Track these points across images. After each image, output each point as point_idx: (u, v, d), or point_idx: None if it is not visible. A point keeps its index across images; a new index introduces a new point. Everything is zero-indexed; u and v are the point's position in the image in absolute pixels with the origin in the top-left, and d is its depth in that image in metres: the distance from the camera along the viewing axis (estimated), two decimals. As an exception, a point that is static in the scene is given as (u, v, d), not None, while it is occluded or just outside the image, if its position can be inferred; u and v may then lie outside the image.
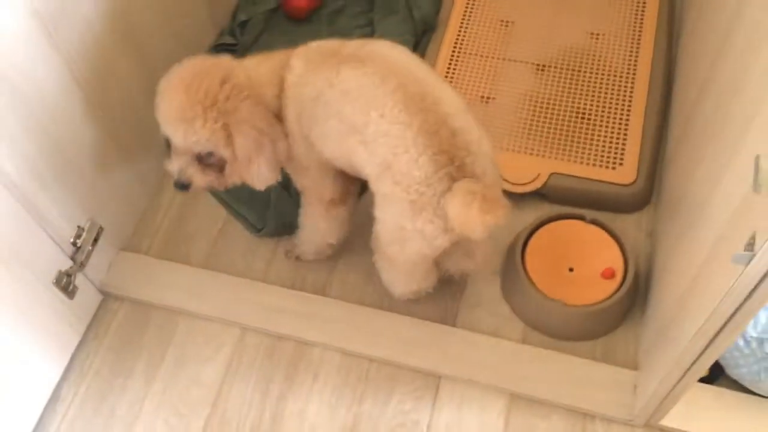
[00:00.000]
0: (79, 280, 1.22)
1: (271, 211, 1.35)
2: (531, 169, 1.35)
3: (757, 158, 0.66)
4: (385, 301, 1.26)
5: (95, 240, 1.23)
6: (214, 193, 1.41)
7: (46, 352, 1.17)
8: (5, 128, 1.00)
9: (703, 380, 1.15)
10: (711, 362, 0.93)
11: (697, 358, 0.93)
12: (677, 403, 1.11)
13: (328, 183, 1.13)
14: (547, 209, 1.32)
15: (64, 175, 1.14)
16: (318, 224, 1.22)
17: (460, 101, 1.01)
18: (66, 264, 1.18)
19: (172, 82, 1.01)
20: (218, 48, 1.54)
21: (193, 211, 1.40)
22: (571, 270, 1.24)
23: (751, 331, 1.07)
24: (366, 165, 1.00)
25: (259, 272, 1.32)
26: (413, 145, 0.95)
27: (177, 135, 1.01)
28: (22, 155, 1.04)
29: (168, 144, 1.06)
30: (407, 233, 1.01)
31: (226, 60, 1.05)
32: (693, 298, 0.92)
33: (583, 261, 1.24)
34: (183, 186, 1.06)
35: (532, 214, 1.30)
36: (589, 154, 1.36)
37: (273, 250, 1.35)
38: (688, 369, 0.96)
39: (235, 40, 1.57)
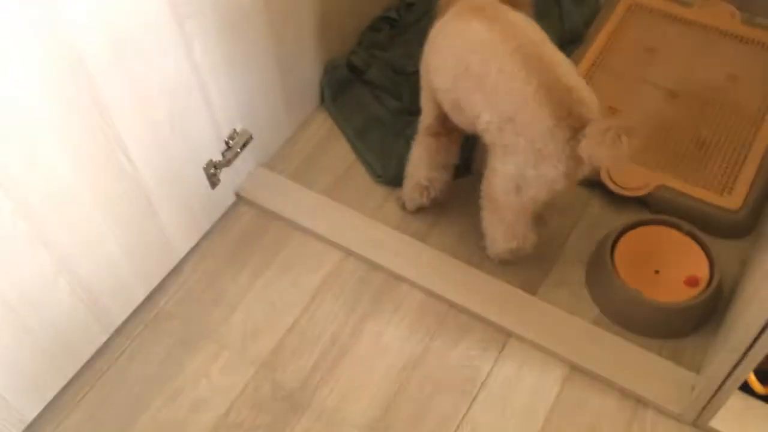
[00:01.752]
0: (223, 176, 1.42)
1: (393, 162, 1.51)
2: (640, 178, 1.43)
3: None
4: (474, 259, 1.37)
5: (244, 145, 1.42)
6: (347, 134, 1.58)
7: (180, 226, 1.37)
8: (202, 25, 1.21)
9: (763, 398, 1.18)
10: (750, 368, 0.99)
11: (739, 362, 0.99)
12: (730, 412, 1.15)
13: (428, 108, 1.30)
14: (647, 215, 1.39)
15: (235, 78, 1.34)
16: (414, 151, 1.38)
17: (572, 65, 1.14)
18: (217, 156, 1.38)
19: None
20: (382, 19, 1.73)
21: (329, 148, 1.58)
22: (656, 272, 1.30)
23: (820, 357, 1.10)
24: (483, 112, 1.14)
25: (370, 211, 1.47)
26: (534, 99, 1.07)
27: None
28: (211, 50, 1.25)
29: None
30: (529, 179, 1.13)
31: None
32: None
33: (670, 266, 1.30)
34: None
35: (631, 216, 1.38)
36: (700, 176, 1.42)
37: (386, 196, 1.49)
38: (731, 372, 1.01)
39: (398, 16, 1.75)
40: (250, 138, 1.44)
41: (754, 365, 0.99)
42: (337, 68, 1.63)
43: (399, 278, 1.37)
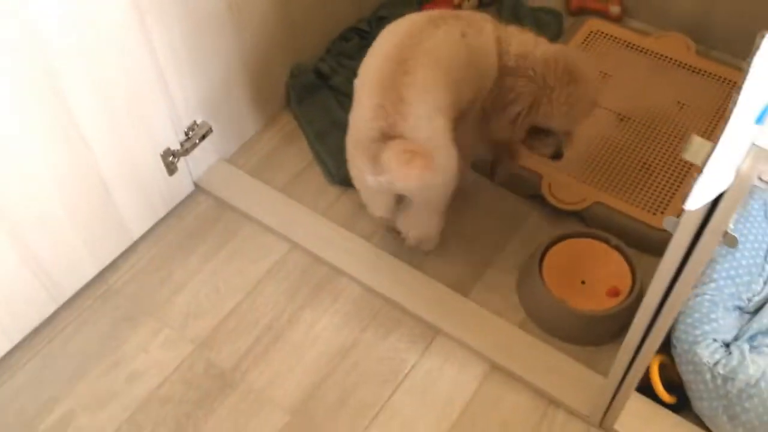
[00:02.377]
0: (181, 165, 1.49)
1: (348, 165, 1.57)
2: (579, 194, 1.49)
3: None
4: (414, 260, 1.43)
5: (203, 137, 1.50)
6: (308, 136, 1.65)
7: (136, 209, 1.44)
8: (164, 21, 1.29)
9: (669, 407, 1.23)
10: (641, 369, 1.04)
11: (631, 362, 1.05)
12: (636, 417, 1.20)
13: None
14: (579, 228, 1.45)
15: (197, 73, 1.42)
16: None
17: (432, 83, 1.20)
18: (175, 145, 1.45)
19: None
20: (352, 30, 1.81)
21: (289, 148, 1.65)
22: (582, 282, 1.36)
23: (720, 369, 1.15)
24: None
25: (321, 209, 1.53)
26: (369, 91, 1.19)
27: None
28: (172, 45, 1.33)
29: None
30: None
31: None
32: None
33: (596, 277, 1.36)
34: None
35: (565, 229, 1.44)
36: (637, 196, 1.48)
37: (338, 195, 1.56)
38: (626, 372, 1.07)
39: (369, 28, 1.84)
40: (210, 130, 1.51)
41: (645, 365, 1.05)
42: (304, 72, 1.71)
43: (340, 272, 1.44)
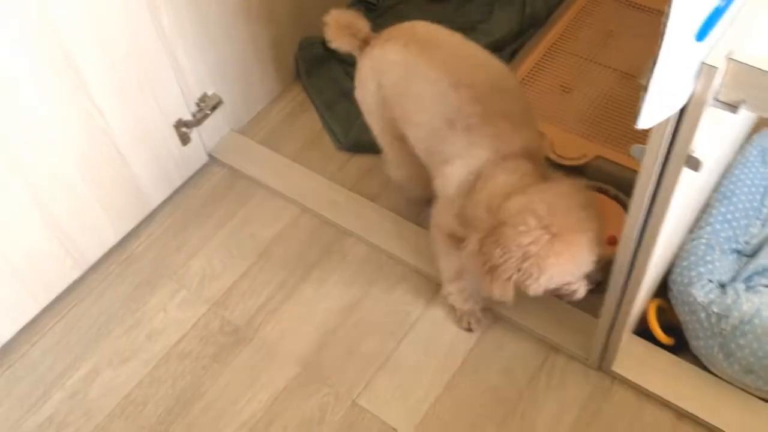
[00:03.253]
0: (194, 136, 1.56)
1: (354, 131, 1.63)
2: (580, 149, 1.51)
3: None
4: (419, 219, 1.47)
5: (214, 108, 1.56)
6: (317, 106, 1.71)
7: (153, 178, 1.51)
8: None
9: (668, 348, 1.25)
10: (629, 308, 1.08)
11: (620, 301, 1.08)
12: (633, 358, 1.23)
13: None
14: (581, 182, 1.48)
15: (205, 47, 1.48)
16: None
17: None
18: (186, 116, 1.52)
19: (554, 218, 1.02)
20: (360, 2, 1.85)
21: (299, 119, 1.71)
22: (583, 233, 1.38)
23: (714, 307, 1.17)
24: None
25: (329, 174, 1.59)
26: None
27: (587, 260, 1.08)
28: (179, 18, 1.39)
29: None
30: None
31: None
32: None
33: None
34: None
35: (567, 183, 1.46)
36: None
37: (345, 161, 1.61)
38: (617, 312, 1.10)
39: (375, 2, 1.88)
40: (220, 102, 1.58)
41: (633, 303, 1.07)
42: (312, 45, 1.76)
43: (347, 233, 1.49)
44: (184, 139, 1.53)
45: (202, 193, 1.59)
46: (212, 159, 1.63)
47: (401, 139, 1.26)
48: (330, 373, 1.31)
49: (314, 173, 1.58)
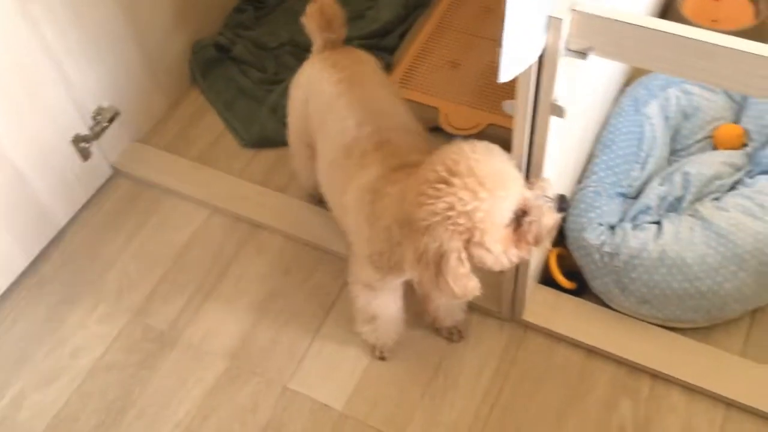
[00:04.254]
0: (94, 150, 1.55)
1: (257, 127, 1.65)
2: (473, 119, 1.59)
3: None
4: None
5: (111, 120, 1.56)
6: (217, 107, 1.72)
7: (56, 197, 1.49)
8: (49, 7, 1.34)
9: (572, 293, 1.34)
10: (532, 259, 1.13)
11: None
12: (540, 306, 1.31)
13: None
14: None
15: (93, 59, 1.47)
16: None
17: None
18: (84, 130, 1.51)
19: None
20: (246, 1, 1.88)
21: (200, 121, 1.72)
22: (484, 197, 1.46)
23: (606, 248, 1.26)
24: None
25: (236, 172, 1.61)
26: None
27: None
28: (62, 32, 1.38)
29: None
30: None
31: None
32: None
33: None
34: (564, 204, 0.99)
35: (464, 152, 1.54)
36: (527, 113, 1.59)
37: (251, 157, 1.64)
38: (518, 265, 1.17)
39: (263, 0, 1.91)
40: (117, 113, 1.57)
41: (528, 258, 1.14)
42: (204, 48, 1.77)
43: (260, 226, 1.52)
44: (85, 154, 1.53)
45: (110, 207, 1.58)
46: (116, 171, 1.63)
47: (310, 146, 1.30)
48: (258, 362, 1.34)
49: (221, 173, 1.60)
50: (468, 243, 0.92)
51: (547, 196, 0.94)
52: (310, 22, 1.28)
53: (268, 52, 1.80)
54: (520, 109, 0.89)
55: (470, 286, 0.97)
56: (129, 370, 1.35)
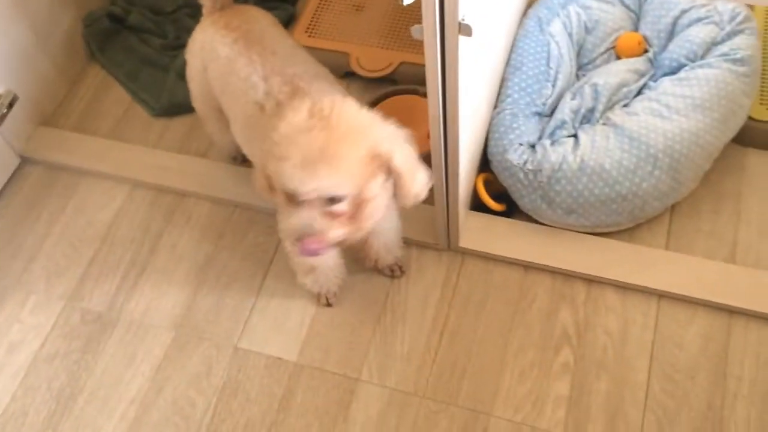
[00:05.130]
0: (-2, 140, 1.48)
1: (165, 95, 1.61)
2: (385, 60, 1.59)
3: None
4: (250, 164, 1.50)
5: (10, 105, 1.48)
6: (120, 79, 1.66)
7: (-35, 193, 1.43)
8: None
9: (503, 215, 1.38)
10: (455, 185, 1.18)
11: (446, 180, 1.18)
12: (474, 232, 1.35)
13: None
14: (390, 88, 1.56)
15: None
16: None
17: None
18: (-18, 120, 1.44)
19: (301, 124, 0.93)
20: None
21: (105, 97, 1.66)
22: (406, 135, 1.48)
23: (529, 165, 1.30)
24: None
25: (152, 142, 1.57)
26: None
27: (315, 180, 0.92)
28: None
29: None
30: None
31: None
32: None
33: (416, 126, 1.46)
34: (313, 247, 0.96)
35: (381, 93, 1.54)
36: (436, 47, 1.60)
37: (165, 126, 1.60)
38: (447, 194, 1.21)
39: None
40: (16, 98, 1.50)
41: (457, 179, 1.17)
42: (97, 20, 1.70)
43: (186, 194, 1.49)
44: (-13, 145, 1.46)
45: (24, 197, 1.52)
46: (25, 159, 1.56)
47: (218, 110, 1.28)
48: (205, 328, 1.33)
49: (136, 146, 1.56)
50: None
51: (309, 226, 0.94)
52: None
53: (165, 17, 1.74)
54: (428, 32, 0.90)
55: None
56: (72, 356, 1.31)
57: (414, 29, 0.91)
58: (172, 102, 1.60)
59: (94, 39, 1.69)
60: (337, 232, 0.97)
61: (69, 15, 1.64)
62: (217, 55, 1.18)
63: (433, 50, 0.92)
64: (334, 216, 0.96)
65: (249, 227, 1.44)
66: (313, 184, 0.92)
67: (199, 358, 1.30)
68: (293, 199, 0.96)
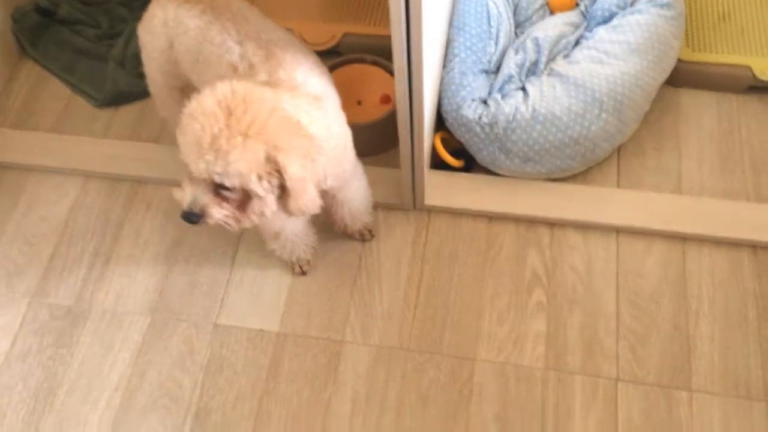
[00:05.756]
0: (-66, 141, 1.41)
1: (108, 85, 1.57)
2: (327, 33, 1.61)
3: None
4: (207, 142, 1.49)
5: (-55, 105, 1.42)
6: (56, 73, 1.62)
7: None
8: None
9: (462, 170, 1.43)
10: (420, 148, 1.21)
11: (412, 144, 1.21)
12: (437, 189, 1.39)
13: None
14: (336, 58, 1.58)
15: None
16: None
17: None
18: None
19: (207, 106, 0.96)
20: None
21: (43, 91, 1.61)
22: (359, 103, 1.50)
23: (484, 119, 1.35)
24: None
25: (99, 133, 1.54)
26: None
27: (202, 163, 0.95)
28: None
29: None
30: None
31: (268, 90, 1.02)
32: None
33: (368, 94, 1.51)
34: (193, 217, 1.00)
35: (329, 64, 1.56)
36: (375, 17, 1.63)
37: (111, 116, 1.56)
38: (413, 154, 1.24)
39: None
40: (-50, 97, 1.44)
41: (422, 136, 1.21)
42: (25, 15, 1.65)
43: (142, 180, 1.47)
44: (-75, 147, 1.39)
45: (-31, 198, 1.46)
46: (-36, 161, 1.50)
47: (180, 90, 1.27)
48: (182, 308, 1.32)
49: (83, 137, 1.52)
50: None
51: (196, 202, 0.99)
52: None
53: (97, 8, 1.70)
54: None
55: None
56: (46, 352, 1.28)
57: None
58: (116, 90, 1.57)
59: (24, 34, 1.64)
60: (221, 213, 1.01)
61: (-4, 10, 1.58)
62: (186, 27, 1.17)
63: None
64: (222, 199, 1.00)
65: (213, 207, 1.43)
66: (202, 166, 0.95)
67: (180, 339, 1.29)
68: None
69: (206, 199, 0.99)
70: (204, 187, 0.99)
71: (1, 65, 1.60)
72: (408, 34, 1.03)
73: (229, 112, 0.94)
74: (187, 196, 1.00)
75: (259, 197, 0.99)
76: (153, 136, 1.52)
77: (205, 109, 0.95)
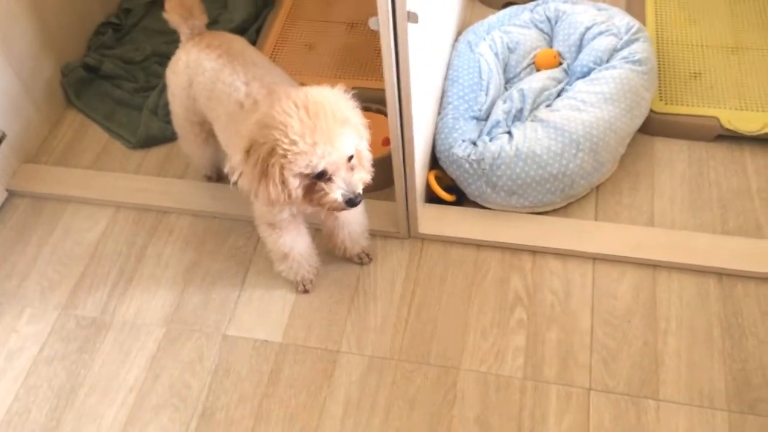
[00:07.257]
0: (-13, 173, 1.61)
1: (141, 128, 1.77)
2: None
3: None
4: (225, 180, 1.66)
5: (-1, 141, 1.63)
6: (97, 120, 1.82)
7: (-41, 221, 1.54)
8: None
9: (453, 204, 1.57)
10: (413, 183, 1.37)
11: (406, 178, 1.37)
12: (431, 220, 1.53)
13: None
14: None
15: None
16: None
17: None
18: (-25, 154, 1.57)
19: (312, 106, 1.16)
20: (105, 25, 1.99)
21: (84, 136, 1.81)
22: (363, 146, 1.67)
23: (472, 156, 1.51)
24: None
25: (132, 171, 1.72)
26: None
27: (344, 146, 1.15)
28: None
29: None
30: None
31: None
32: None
33: (371, 137, 1.67)
34: (355, 200, 1.18)
35: (337, 114, 1.74)
36: (378, 74, 1.82)
37: (143, 156, 1.75)
38: (406, 188, 1.40)
39: (119, 21, 2.03)
40: (4, 135, 1.64)
41: (414, 174, 1.37)
42: (73, 70, 1.87)
43: (167, 211, 1.63)
44: (-21, 178, 1.58)
45: (13, 225, 1.63)
46: (12, 193, 1.68)
47: (199, 125, 1.46)
48: (194, 321, 1.45)
49: (117, 173, 1.70)
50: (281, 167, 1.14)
51: (350, 184, 1.17)
52: (172, 15, 1.42)
53: (135, 66, 1.93)
54: (384, 21, 1.10)
55: (282, 192, 1.17)
56: (71, 357, 1.41)
57: (371, 21, 1.11)
58: (148, 134, 1.76)
59: (71, 86, 1.86)
60: (362, 175, 1.21)
61: (49, 65, 1.80)
62: (204, 68, 1.36)
63: (387, 35, 1.13)
64: (353, 168, 1.20)
65: (228, 234, 1.59)
66: (338, 145, 1.14)
67: (191, 347, 1.42)
68: (310, 177, 1.16)
69: (352, 177, 1.19)
70: (341, 171, 1.17)
71: (48, 112, 1.82)
72: (399, 90, 1.21)
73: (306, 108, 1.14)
74: (354, 179, 1.18)
75: (361, 150, 1.23)
76: (178, 173, 1.70)
77: (289, 112, 1.14)
